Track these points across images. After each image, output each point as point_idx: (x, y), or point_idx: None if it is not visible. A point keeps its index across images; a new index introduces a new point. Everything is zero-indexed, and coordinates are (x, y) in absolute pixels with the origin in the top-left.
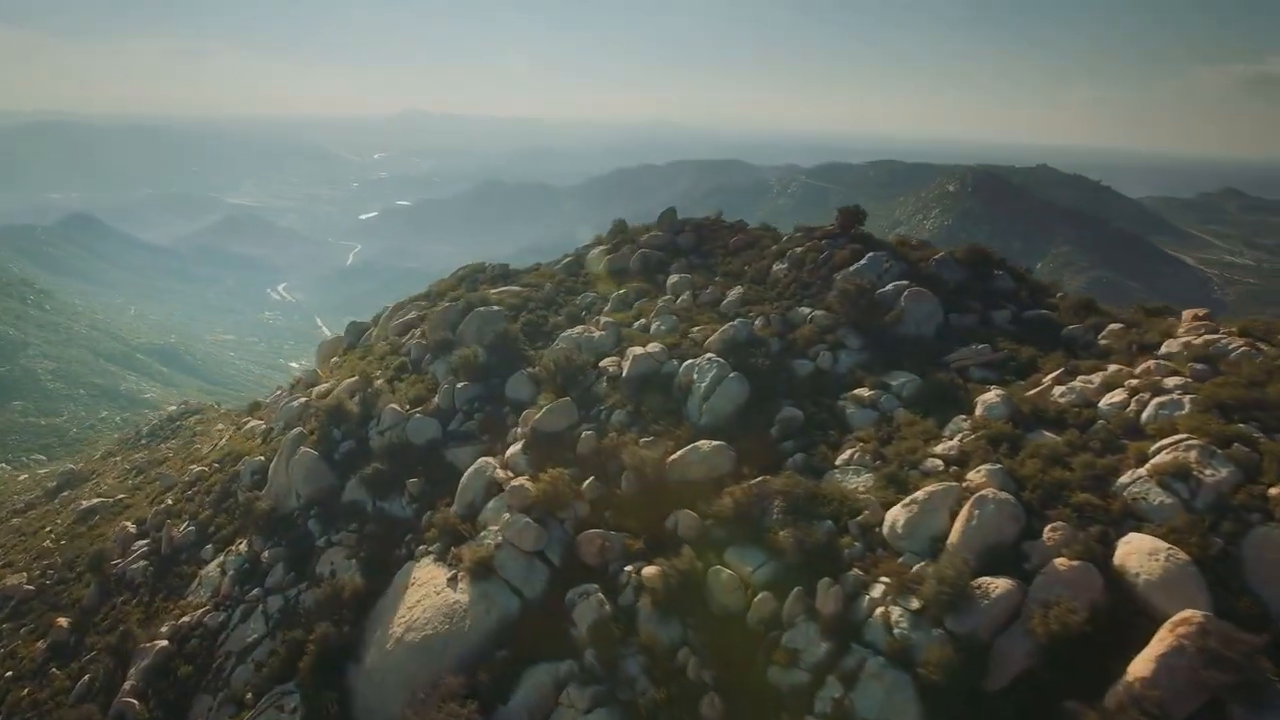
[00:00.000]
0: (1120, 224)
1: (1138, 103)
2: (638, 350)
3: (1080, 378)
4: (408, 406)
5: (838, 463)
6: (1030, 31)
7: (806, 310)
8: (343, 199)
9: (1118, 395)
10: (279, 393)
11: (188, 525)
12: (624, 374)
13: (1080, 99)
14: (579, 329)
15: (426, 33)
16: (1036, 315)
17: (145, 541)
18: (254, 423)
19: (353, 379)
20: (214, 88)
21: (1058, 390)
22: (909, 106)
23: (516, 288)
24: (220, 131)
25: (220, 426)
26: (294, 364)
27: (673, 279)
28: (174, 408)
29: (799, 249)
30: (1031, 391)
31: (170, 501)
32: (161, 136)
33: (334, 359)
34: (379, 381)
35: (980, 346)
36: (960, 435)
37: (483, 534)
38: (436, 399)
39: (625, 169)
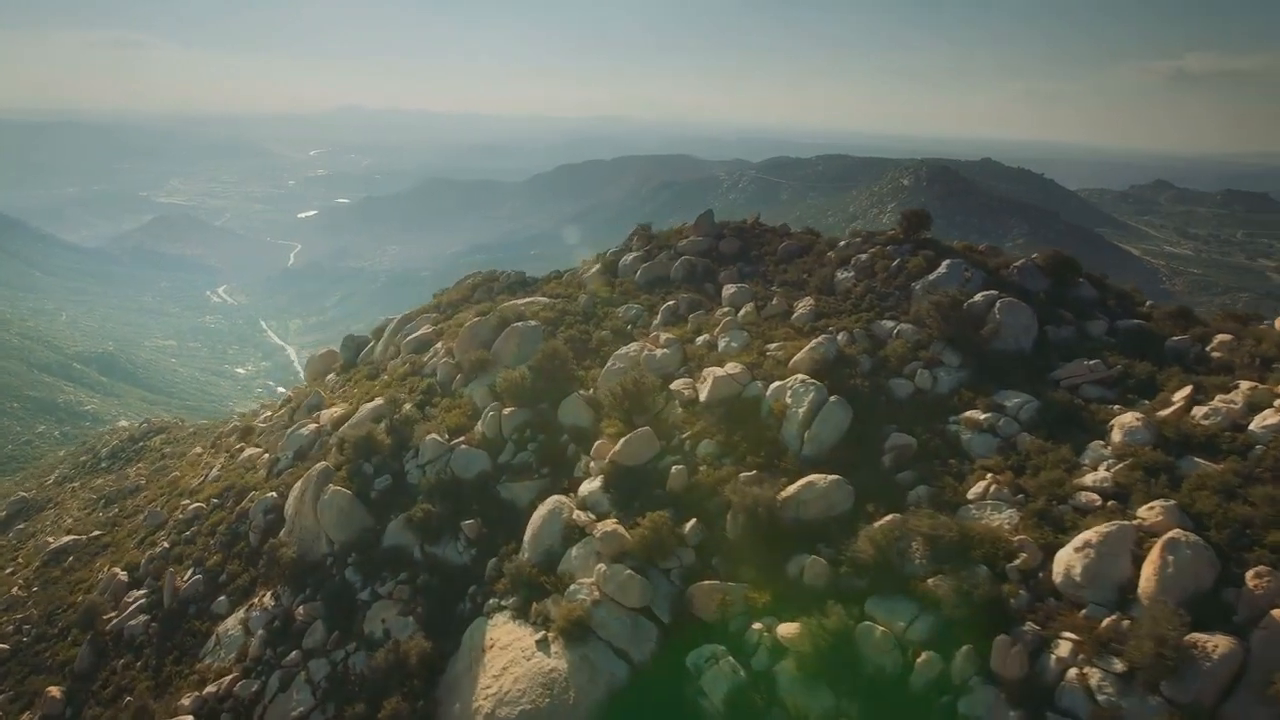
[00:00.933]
0: (1065, 216)
1: (1066, 98)
2: (717, 372)
3: (1219, 397)
4: (447, 435)
5: (969, 497)
6: (964, 27)
7: (890, 324)
8: (280, 197)
9: (1271, 417)
10: (269, 414)
11: (193, 573)
12: (703, 398)
13: (1012, 94)
14: (634, 346)
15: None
16: (1133, 326)
17: (142, 592)
18: (250, 451)
19: (374, 403)
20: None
21: (1198, 412)
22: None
23: (544, 299)
24: (148, 128)
25: (198, 450)
26: (240, 369)
27: (730, 290)
28: (127, 423)
29: (863, 255)
30: (1165, 412)
31: (166, 544)
32: (86, 133)
33: (330, 376)
34: (408, 407)
35: (1091, 362)
36: (1106, 464)
37: (572, 589)
38: (480, 427)
39: (571, 165)
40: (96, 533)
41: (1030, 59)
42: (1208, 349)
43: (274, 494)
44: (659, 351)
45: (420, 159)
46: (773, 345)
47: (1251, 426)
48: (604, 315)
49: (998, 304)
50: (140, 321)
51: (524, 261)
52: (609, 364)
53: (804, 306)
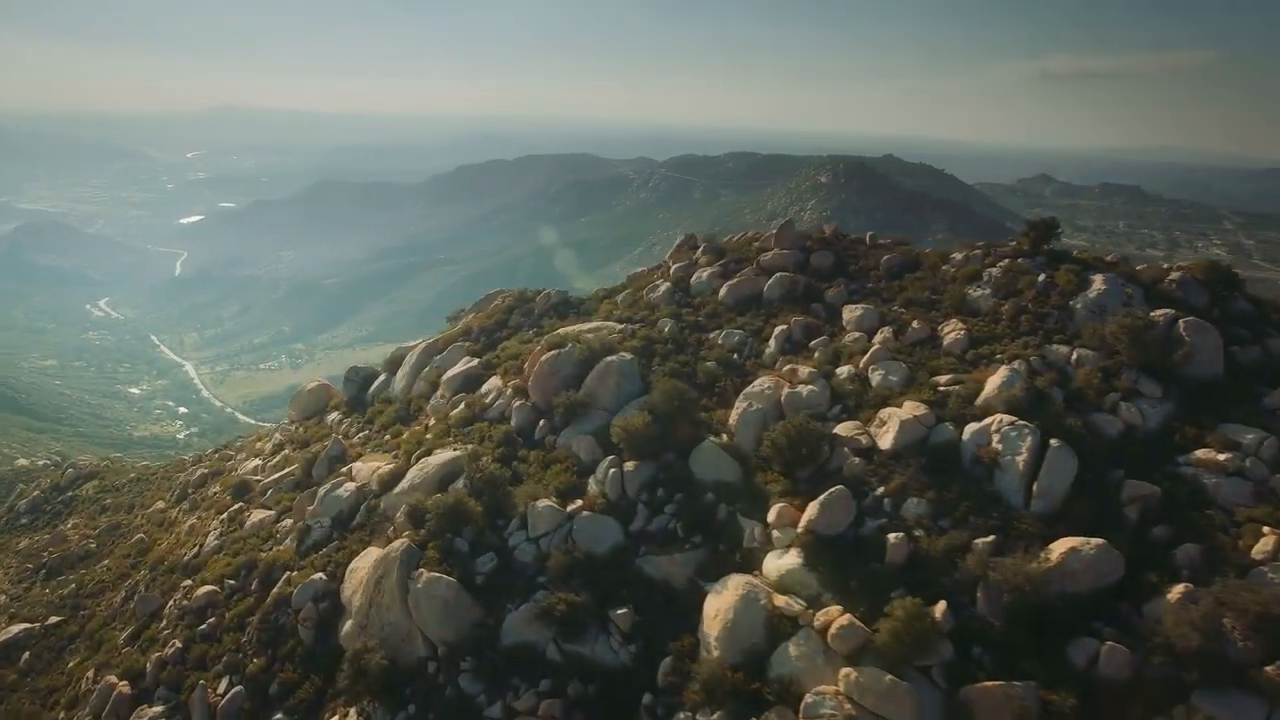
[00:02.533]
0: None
1: (952, 95)
2: (900, 414)
3: None
4: (555, 499)
5: (1256, 556)
6: (843, 26)
7: (1064, 349)
8: (156, 202)
9: None
10: (252, 461)
11: (230, 683)
12: (886, 446)
13: (900, 91)
14: (766, 382)
15: (232, 23)
16: None
17: (158, 710)
18: (258, 513)
19: (440, 458)
20: None
21: None
22: (747, 100)
23: (614, 324)
24: (3, 128)
25: (160, 505)
26: (134, 389)
27: (854, 312)
28: (26, 461)
29: (994, 270)
30: None
31: (178, 643)
32: None
33: (333, 417)
34: (488, 462)
35: None
36: None
37: (810, 700)
38: (596, 487)
39: (472, 165)
40: (55, 619)
41: (915, 58)
42: None
43: (320, 575)
44: (803, 389)
45: (308, 160)
46: (943, 379)
47: None
48: (699, 343)
49: (1180, 324)
50: (14, 341)
51: (435, 265)
52: (742, 404)
53: (952, 331)
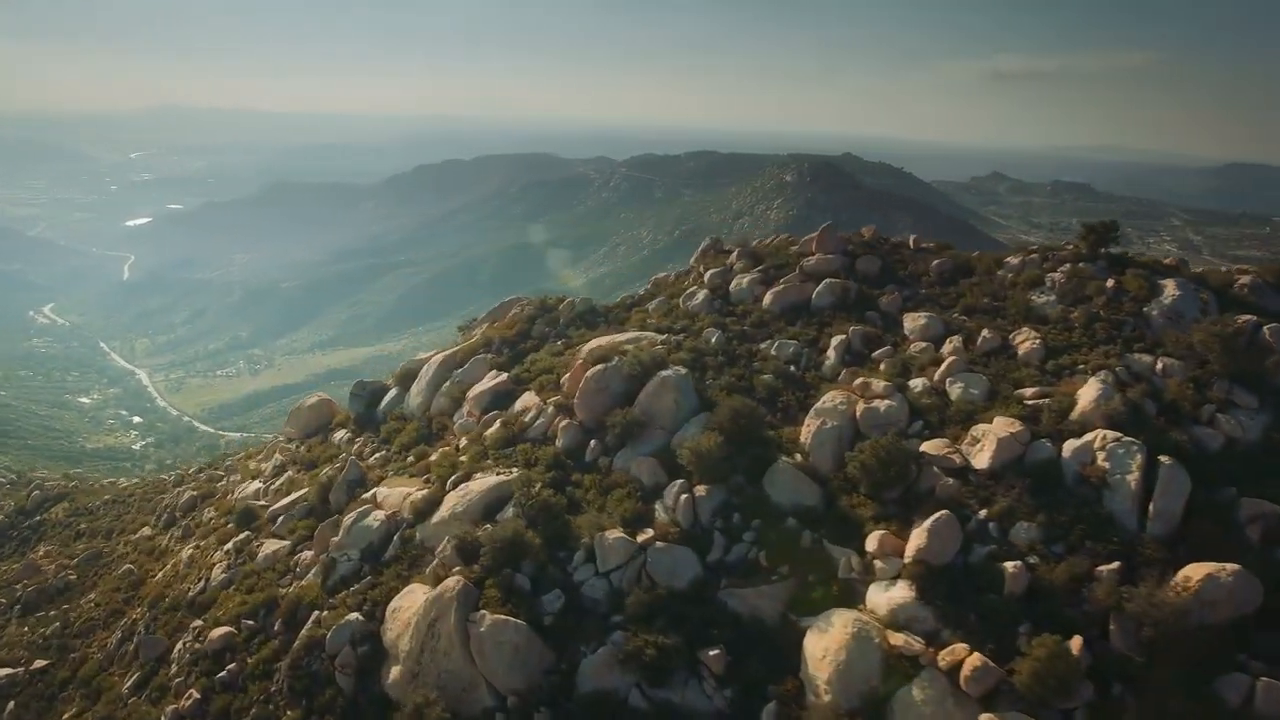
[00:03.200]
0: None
1: (895, 94)
2: (996, 431)
3: None
4: (621, 528)
5: None
6: (800, 25)
7: (1147, 359)
8: (99, 204)
9: None
10: (252, 484)
11: None
12: (983, 465)
13: (854, 91)
14: (838, 397)
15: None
16: None
17: None
18: (270, 544)
19: (485, 483)
20: None
21: None
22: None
23: (651, 333)
24: None
25: (146, 531)
26: (84, 399)
27: (916, 321)
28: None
29: (1057, 275)
30: None
31: (196, 694)
32: None
33: (339, 435)
34: (543, 489)
35: None
36: None
37: None
38: (665, 514)
39: (430, 165)
40: (41, 663)
41: (865, 58)
42: None
43: (356, 615)
44: (880, 404)
45: (259, 160)
46: (1028, 391)
47: None
48: (749, 354)
49: (1265, 330)
50: None
51: (395, 267)
52: (814, 421)
53: (1026, 340)
